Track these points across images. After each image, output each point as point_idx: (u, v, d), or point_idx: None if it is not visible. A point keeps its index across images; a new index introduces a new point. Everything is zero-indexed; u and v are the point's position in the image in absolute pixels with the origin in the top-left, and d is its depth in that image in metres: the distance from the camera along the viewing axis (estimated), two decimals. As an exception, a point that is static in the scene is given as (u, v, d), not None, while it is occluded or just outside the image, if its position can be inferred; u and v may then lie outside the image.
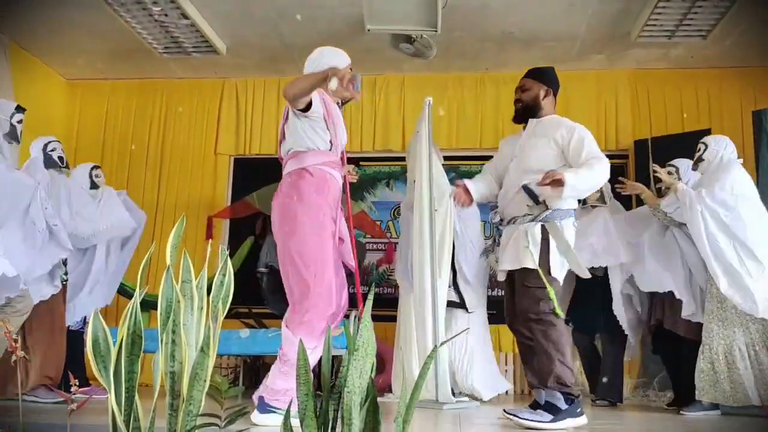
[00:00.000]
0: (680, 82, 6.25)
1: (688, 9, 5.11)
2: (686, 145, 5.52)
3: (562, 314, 3.14)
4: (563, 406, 3.04)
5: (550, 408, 3.06)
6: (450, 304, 4.46)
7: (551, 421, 3.01)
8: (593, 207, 4.77)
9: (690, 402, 3.97)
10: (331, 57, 3.30)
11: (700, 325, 4.03)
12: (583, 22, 5.49)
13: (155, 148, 6.72)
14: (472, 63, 6.25)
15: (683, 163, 4.43)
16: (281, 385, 2.93)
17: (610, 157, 6.14)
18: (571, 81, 6.37)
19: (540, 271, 3.16)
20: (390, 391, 4.79)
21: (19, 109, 3.78)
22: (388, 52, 5.81)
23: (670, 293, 4.14)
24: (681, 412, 3.95)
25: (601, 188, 4.85)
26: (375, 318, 1.70)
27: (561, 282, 3.27)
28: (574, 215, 3.38)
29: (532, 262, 3.19)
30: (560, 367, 3.09)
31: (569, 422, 3.05)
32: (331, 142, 3.19)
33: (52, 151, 4.41)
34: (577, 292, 4.64)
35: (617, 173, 6.16)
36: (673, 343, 4.24)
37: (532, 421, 3.01)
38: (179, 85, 6.76)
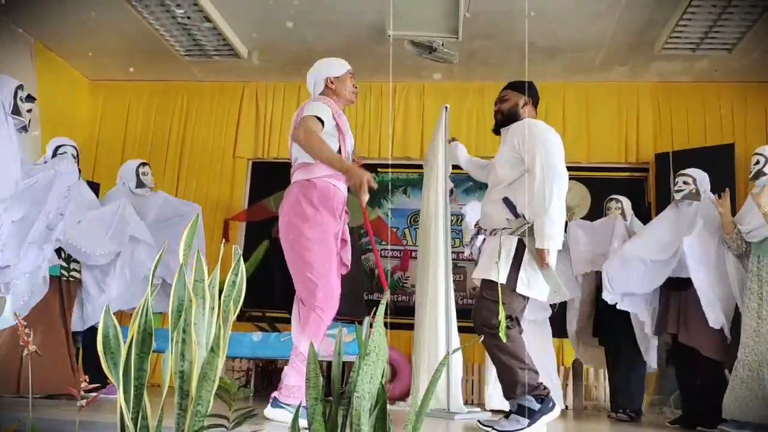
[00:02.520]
0: (704, 95, 6.19)
1: (713, 21, 5.05)
2: (708, 159, 5.47)
3: (503, 338, 3.02)
4: (536, 407, 3.05)
5: (524, 411, 3.06)
6: None
7: (529, 425, 3.04)
8: None
9: (702, 422, 3.89)
10: (327, 68, 3.43)
11: (721, 343, 3.95)
12: (606, 34, 5.45)
13: (174, 149, 6.76)
14: (493, 72, 6.21)
15: (700, 174, 4.35)
16: (294, 381, 3.05)
17: (630, 170, 6.29)
18: (593, 92, 6.35)
19: (500, 286, 3.10)
20: (402, 399, 4.76)
21: (30, 98, 3.68)
22: (409, 59, 5.80)
23: (689, 305, 4.08)
24: (720, 427, 3.77)
25: (622, 205, 4.80)
26: (389, 326, 1.69)
27: (527, 298, 3.23)
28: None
29: (496, 275, 3.14)
30: (522, 373, 3.07)
31: (544, 419, 3.07)
32: (339, 151, 3.25)
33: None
34: (598, 309, 4.65)
35: (637, 187, 6.13)
36: (688, 358, 4.16)
37: (511, 430, 3.03)
38: (200, 88, 6.80)
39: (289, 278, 3.26)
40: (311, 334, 3.07)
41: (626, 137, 6.27)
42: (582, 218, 5.87)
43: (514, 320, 3.18)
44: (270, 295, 5.44)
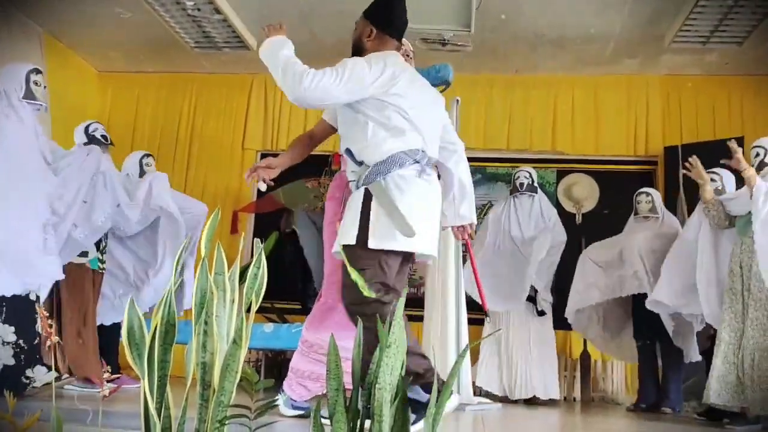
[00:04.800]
0: (713, 88, 6.18)
1: (724, 15, 5.03)
2: (718, 152, 5.42)
3: (372, 294, 2.25)
4: (424, 398, 2.44)
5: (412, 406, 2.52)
6: None
7: (416, 421, 2.39)
8: (645, 218, 4.76)
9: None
10: None
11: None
12: (616, 26, 5.44)
13: (183, 141, 6.77)
14: (502, 64, 6.22)
15: (725, 174, 4.32)
16: (295, 363, 3.03)
17: (639, 162, 6.28)
18: (602, 85, 6.34)
19: (349, 248, 2.55)
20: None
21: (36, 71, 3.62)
22: (418, 51, 5.79)
23: None
24: (727, 426, 3.72)
25: (652, 199, 4.80)
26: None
27: (406, 257, 2.73)
28: (412, 163, 2.63)
29: (345, 237, 2.60)
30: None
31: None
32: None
33: (94, 131, 4.35)
34: (635, 304, 4.69)
35: (646, 180, 6.11)
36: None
37: None
38: (209, 80, 6.81)
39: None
40: (323, 328, 2.92)
41: (635, 130, 6.25)
42: (591, 210, 5.90)
43: (389, 291, 2.67)
44: (280, 286, 5.45)
